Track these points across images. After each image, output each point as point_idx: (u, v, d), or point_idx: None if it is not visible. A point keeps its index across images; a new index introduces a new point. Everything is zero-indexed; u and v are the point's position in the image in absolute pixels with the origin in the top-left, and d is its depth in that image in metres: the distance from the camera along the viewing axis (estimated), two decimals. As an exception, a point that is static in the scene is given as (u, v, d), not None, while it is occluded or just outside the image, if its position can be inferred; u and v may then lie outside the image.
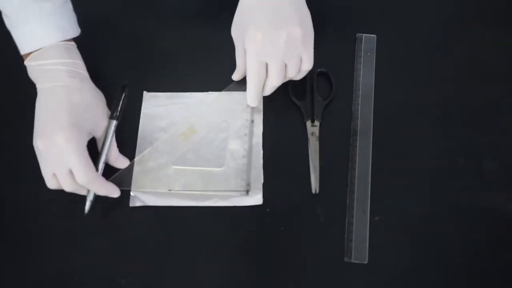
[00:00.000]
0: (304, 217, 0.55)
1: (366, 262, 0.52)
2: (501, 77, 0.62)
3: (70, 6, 0.56)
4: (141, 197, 0.55)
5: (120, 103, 0.55)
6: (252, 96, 0.55)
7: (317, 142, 0.57)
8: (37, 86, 0.54)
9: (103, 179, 0.53)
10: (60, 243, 0.54)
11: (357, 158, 0.56)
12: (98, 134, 0.54)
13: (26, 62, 0.54)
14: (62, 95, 0.52)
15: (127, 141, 0.58)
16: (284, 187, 0.56)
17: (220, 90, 0.61)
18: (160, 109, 0.60)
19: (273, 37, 0.51)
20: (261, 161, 0.57)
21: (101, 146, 0.54)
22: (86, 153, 0.51)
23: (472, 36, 0.64)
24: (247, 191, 0.55)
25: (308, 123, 0.58)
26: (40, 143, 0.50)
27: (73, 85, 0.53)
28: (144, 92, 0.61)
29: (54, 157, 0.51)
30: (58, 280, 0.53)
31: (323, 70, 0.60)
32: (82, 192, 0.53)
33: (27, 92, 0.62)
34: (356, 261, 0.52)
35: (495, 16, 0.66)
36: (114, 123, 0.55)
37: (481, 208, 0.55)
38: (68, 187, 0.52)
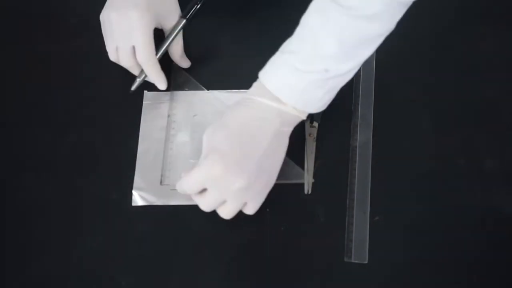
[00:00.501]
0: (304, 217, 0.55)
1: (366, 262, 0.52)
2: (503, 76, 0.61)
3: None
4: (142, 196, 0.55)
5: (194, 6, 0.58)
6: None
7: (314, 143, 0.57)
8: None
9: (159, 66, 0.57)
10: (60, 243, 0.54)
11: (357, 158, 0.56)
12: (167, 27, 0.59)
13: None
14: None
15: (128, 141, 0.58)
16: (284, 186, 0.56)
17: (220, 89, 0.61)
18: (161, 108, 0.60)
19: (228, 179, 0.48)
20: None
21: (165, 38, 0.58)
22: (152, 35, 0.55)
23: (472, 36, 0.64)
24: None
25: (307, 124, 0.58)
26: (114, 15, 0.54)
27: None
28: (145, 91, 0.61)
29: (124, 30, 0.54)
30: (58, 280, 0.53)
31: None
32: (135, 71, 0.58)
33: (26, 91, 0.62)
34: (356, 261, 0.52)
35: (496, 16, 0.66)
36: (183, 21, 0.58)
37: (481, 208, 0.55)
38: (125, 62, 0.57)
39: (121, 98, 0.61)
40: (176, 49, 0.60)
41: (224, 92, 0.60)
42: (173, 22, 0.59)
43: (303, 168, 0.56)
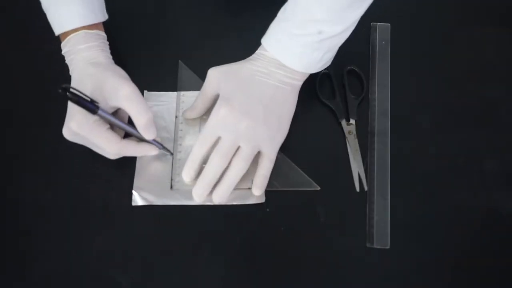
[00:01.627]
0: (305, 217, 0.55)
1: (388, 247, 0.53)
2: (502, 77, 0.62)
3: None
4: (143, 196, 0.55)
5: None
6: (187, 168, 0.53)
7: (356, 140, 0.57)
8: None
9: (130, 142, 0.54)
10: (60, 243, 0.54)
11: (375, 146, 0.57)
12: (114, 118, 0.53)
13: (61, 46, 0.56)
14: (74, 83, 0.53)
15: (127, 141, 0.58)
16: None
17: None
18: (161, 108, 0.60)
19: (236, 117, 0.51)
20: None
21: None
22: (101, 128, 0.51)
23: (473, 36, 0.64)
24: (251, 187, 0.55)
25: (343, 122, 0.58)
26: (66, 134, 0.52)
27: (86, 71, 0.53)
28: (145, 91, 0.61)
29: (82, 142, 0.53)
30: (58, 280, 0.53)
31: (353, 67, 0.60)
32: (129, 152, 0.54)
33: (27, 92, 0.62)
34: (378, 247, 0.53)
35: (496, 16, 0.66)
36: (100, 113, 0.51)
37: (481, 208, 0.55)
38: (112, 156, 0.54)
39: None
40: (136, 121, 0.52)
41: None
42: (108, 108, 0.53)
43: (350, 167, 0.56)
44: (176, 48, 0.63)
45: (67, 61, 0.56)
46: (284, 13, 0.53)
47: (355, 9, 0.51)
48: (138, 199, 0.55)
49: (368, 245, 0.53)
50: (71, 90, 0.48)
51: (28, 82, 0.63)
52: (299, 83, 0.55)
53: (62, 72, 0.63)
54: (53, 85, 0.62)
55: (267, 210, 0.55)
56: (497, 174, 0.56)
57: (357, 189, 0.56)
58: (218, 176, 0.52)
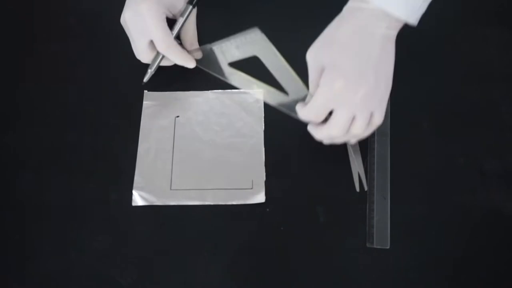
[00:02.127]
0: (305, 217, 0.55)
1: (388, 247, 0.53)
2: (502, 77, 0.62)
3: None
4: (142, 196, 0.55)
5: None
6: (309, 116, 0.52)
7: (356, 140, 0.57)
8: None
9: (181, 48, 0.58)
10: (60, 243, 0.54)
11: (375, 146, 0.57)
12: (177, 15, 0.59)
13: None
14: None
15: (129, 140, 0.58)
16: (284, 186, 0.56)
17: (221, 89, 0.61)
18: (161, 108, 0.60)
19: (350, 89, 0.48)
20: (263, 159, 0.57)
21: (175, 25, 0.58)
22: (164, 24, 0.56)
23: (473, 36, 0.64)
24: (251, 187, 0.55)
25: None
26: (127, 14, 0.55)
27: None
28: (145, 91, 0.61)
29: (138, 26, 0.56)
30: (58, 280, 0.53)
31: None
32: (168, 54, 0.57)
33: (26, 91, 0.62)
34: (378, 247, 0.53)
35: (497, 16, 0.66)
36: (189, 8, 0.58)
37: (481, 208, 0.55)
38: (144, 58, 0.58)
39: (121, 98, 0.61)
40: (187, 38, 0.60)
41: (228, 92, 0.60)
42: (178, 8, 0.59)
43: (350, 167, 0.56)
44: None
45: None
46: None
47: None
48: (138, 199, 0.55)
49: (368, 245, 0.53)
50: None
51: (28, 81, 0.63)
52: (395, 34, 0.51)
53: (61, 72, 0.64)
54: (53, 85, 0.63)
55: (267, 210, 0.55)
56: (497, 174, 0.56)
57: (357, 189, 0.56)
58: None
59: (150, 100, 0.60)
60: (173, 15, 0.59)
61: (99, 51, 0.63)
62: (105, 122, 0.60)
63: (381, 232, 0.53)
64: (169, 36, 0.56)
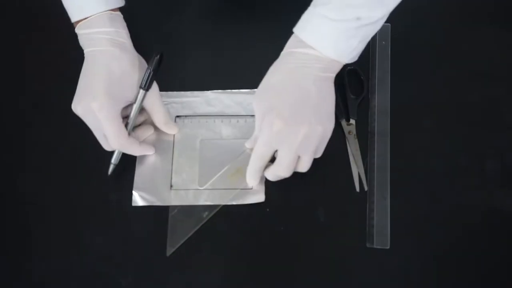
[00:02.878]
0: (305, 217, 0.55)
1: (388, 247, 0.53)
2: (503, 77, 0.61)
3: None
4: (142, 196, 0.55)
5: (149, 72, 0.55)
6: (251, 177, 0.54)
7: (356, 140, 0.57)
8: (84, 51, 0.55)
9: (136, 142, 0.55)
10: (60, 243, 0.54)
11: (375, 146, 0.57)
12: (133, 101, 0.56)
13: (76, 30, 0.55)
14: (101, 61, 0.53)
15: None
16: (284, 186, 0.56)
17: (222, 89, 0.61)
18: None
19: (291, 130, 0.49)
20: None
21: (131, 113, 0.55)
22: (118, 120, 0.53)
23: (474, 36, 0.64)
24: (251, 187, 0.55)
25: (343, 123, 0.58)
26: (79, 109, 0.53)
27: (112, 52, 0.54)
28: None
29: (91, 122, 0.53)
30: (58, 280, 0.53)
31: (353, 67, 0.60)
32: (123, 150, 0.55)
33: (26, 91, 0.62)
34: (378, 247, 0.53)
35: (497, 16, 0.65)
36: (142, 92, 0.55)
37: (481, 208, 0.55)
38: (107, 148, 0.55)
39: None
40: (158, 118, 0.57)
41: (228, 92, 0.60)
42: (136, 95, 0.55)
43: (350, 167, 0.56)
44: (176, 48, 0.63)
45: (84, 41, 0.55)
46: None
47: None
48: (138, 199, 0.55)
49: (368, 245, 0.53)
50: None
51: (28, 81, 0.63)
52: (333, 75, 0.52)
53: (61, 72, 0.63)
54: (53, 85, 0.63)
55: (267, 210, 0.55)
56: (497, 174, 0.56)
57: (357, 189, 0.56)
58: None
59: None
60: (130, 102, 0.55)
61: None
62: (105, 122, 0.60)
63: (381, 232, 0.53)
64: (122, 133, 0.53)
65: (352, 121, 0.58)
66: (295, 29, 0.51)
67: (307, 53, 0.50)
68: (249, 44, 0.63)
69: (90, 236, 0.54)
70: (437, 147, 0.58)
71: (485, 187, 0.56)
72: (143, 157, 0.57)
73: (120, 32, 0.55)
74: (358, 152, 0.57)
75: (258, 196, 0.55)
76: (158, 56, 0.54)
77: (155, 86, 0.56)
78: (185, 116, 0.60)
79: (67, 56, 0.64)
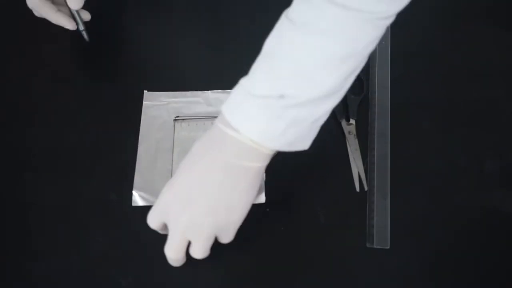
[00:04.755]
0: (305, 217, 0.55)
1: (388, 247, 0.53)
2: (503, 77, 0.62)
3: None
4: (142, 196, 0.55)
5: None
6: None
7: (356, 140, 0.57)
8: None
9: (52, 7, 0.57)
10: (60, 243, 0.54)
11: (375, 146, 0.57)
12: None
13: None
14: None
15: (128, 141, 0.58)
16: (284, 187, 0.56)
17: (220, 89, 0.61)
18: (161, 108, 0.60)
19: (176, 209, 0.46)
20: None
21: None
22: None
23: (473, 36, 0.64)
24: None
25: (343, 123, 0.58)
26: None
27: None
28: (145, 91, 0.61)
29: None
30: (58, 280, 0.53)
31: None
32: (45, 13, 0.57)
33: (26, 91, 0.62)
34: (378, 247, 0.53)
35: (497, 16, 0.66)
36: None
37: (481, 208, 0.55)
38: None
39: (121, 98, 0.61)
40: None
41: (228, 92, 0.60)
42: None
43: (350, 167, 0.56)
44: (176, 48, 0.63)
45: None
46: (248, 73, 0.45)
47: (326, 72, 0.42)
48: (138, 199, 0.55)
49: (368, 245, 0.53)
50: None
51: (28, 81, 0.63)
52: (258, 165, 0.45)
53: (61, 72, 0.64)
54: (53, 85, 0.63)
55: (267, 210, 0.55)
56: (497, 174, 0.56)
57: (357, 189, 0.56)
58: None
59: (150, 100, 0.60)
60: None
61: (99, 51, 0.63)
62: (105, 122, 0.60)
63: (381, 232, 0.53)
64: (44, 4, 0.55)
65: (352, 121, 0.58)
66: (222, 107, 0.45)
67: (225, 132, 0.44)
68: (249, 44, 0.63)
69: (90, 236, 0.54)
70: (437, 147, 0.58)
71: (484, 188, 0.56)
72: (143, 157, 0.57)
73: None
74: (358, 152, 0.57)
75: (258, 197, 0.55)
76: None
77: None
78: (183, 119, 0.60)
79: (67, 56, 0.64)
